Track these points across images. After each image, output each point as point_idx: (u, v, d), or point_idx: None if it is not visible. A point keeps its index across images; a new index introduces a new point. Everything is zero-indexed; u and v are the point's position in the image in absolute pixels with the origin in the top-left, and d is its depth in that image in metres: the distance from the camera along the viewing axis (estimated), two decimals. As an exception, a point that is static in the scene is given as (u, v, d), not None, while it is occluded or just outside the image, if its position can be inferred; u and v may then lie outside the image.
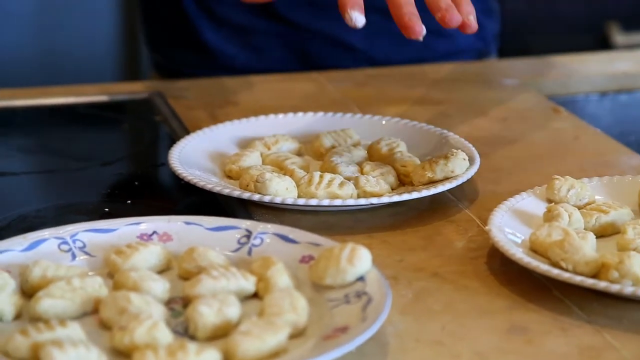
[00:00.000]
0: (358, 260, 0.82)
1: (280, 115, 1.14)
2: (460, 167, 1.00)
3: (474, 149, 1.04)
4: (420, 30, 0.99)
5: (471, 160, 1.02)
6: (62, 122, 1.23)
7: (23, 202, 1.03)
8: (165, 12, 1.41)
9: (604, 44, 2.32)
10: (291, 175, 1.00)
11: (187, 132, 1.13)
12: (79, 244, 0.87)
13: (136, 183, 1.07)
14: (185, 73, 1.40)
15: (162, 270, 0.85)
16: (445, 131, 1.09)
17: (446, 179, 0.99)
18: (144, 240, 0.88)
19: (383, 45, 1.40)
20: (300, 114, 1.15)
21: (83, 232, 0.87)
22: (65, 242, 0.86)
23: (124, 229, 0.88)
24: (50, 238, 0.86)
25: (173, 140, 1.10)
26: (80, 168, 1.10)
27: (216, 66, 1.37)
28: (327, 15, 1.36)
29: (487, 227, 0.89)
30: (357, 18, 1.02)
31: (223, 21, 1.36)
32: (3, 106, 1.24)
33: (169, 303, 0.81)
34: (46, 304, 0.78)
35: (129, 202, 1.02)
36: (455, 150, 1.01)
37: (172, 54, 1.42)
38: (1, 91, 1.29)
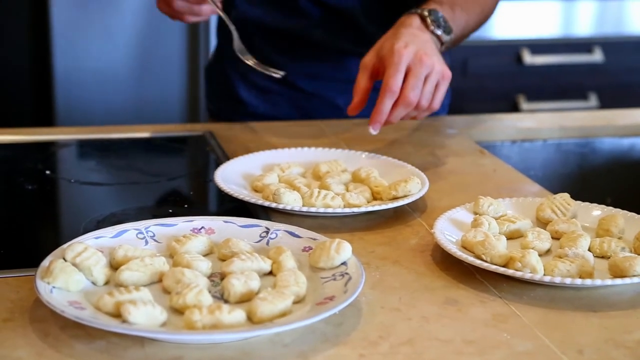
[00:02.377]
0: (342, 250, 0.80)
1: (292, 149, 1.13)
2: (415, 188, 0.98)
3: (424, 175, 1.03)
4: (374, 130, 1.03)
5: (423, 184, 1.00)
6: (143, 149, 1.22)
7: (113, 204, 1.01)
8: (217, 77, 1.40)
9: (514, 108, 2.32)
10: (298, 191, 0.99)
11: (227, 158, 1.12)
12: (150, 233, 0.85)
13: (191, 193, 1.06)
14: (226, 117, 1.38)
15: (207, 254, 0.83)
16: (405, 163, 1.08)
17: (405, 196, 0.98)
18: (195, 232, 0.86)
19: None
20: (305, 148, 1.13)
21: (154, 226, 0.85)
22: (141, 232, 0.85)
23: (181, 224, 0.87)
24: (130, 229, 0.84)
25: (217, 164, 1.08)
26: (154, 182, 1.09)
27: (245, 113, 1.36)
28: (323, 85, 1.35)
29: (432, 230, 0.88)
30: (374, 130, 1.05)
31: (253, 84, 1.36)
32: (105, 138, 1.23)
33: (210, 277, 0.79)
34: (126, 274, 0.76)
35: (186, 206, 1.01)
36: (412, 176, 1.00)
37: (219, 104, 1.42)
38: (106, 127, 1.29)
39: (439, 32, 1.11)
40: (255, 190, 1.02)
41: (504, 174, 1.14)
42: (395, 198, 0.98)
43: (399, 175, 1.04)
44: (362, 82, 1.08)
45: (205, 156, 1.19)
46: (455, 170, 1.14)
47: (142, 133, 1.25)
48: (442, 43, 1.12)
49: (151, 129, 1.27)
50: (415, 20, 1.11)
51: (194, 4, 1.12)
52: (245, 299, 0.75)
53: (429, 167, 1.12)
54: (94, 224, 0.92)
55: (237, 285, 0.75)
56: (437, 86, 1.06)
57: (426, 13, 1.11)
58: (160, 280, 0.77)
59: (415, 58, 1.04)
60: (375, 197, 1.01)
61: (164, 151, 1.22)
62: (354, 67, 1.11)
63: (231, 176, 1.03)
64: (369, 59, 1.08)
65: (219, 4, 1.12)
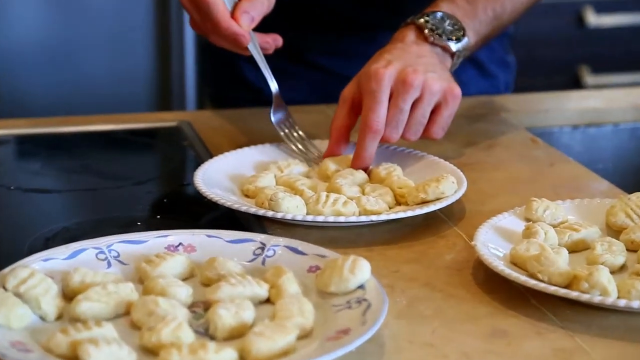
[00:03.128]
0: (359, 270, 0.81)
1: (293, 142, 1.14)
2: (450, 189, 0.99)
3: (461, 173, 1.03)
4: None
5: (459, 183, 1.01)
6: (101, 146, 1.23)
7: (66, 217, 1.02)
8: (216, 55, 1.42)
9: (576, 83, 2.32)
10: (301, 195, 0.99)
11: (210, 155, 1.12)
12: (113, 253, 0.86)
13: (165, 200, 1.06)
14: (232, 104, 1.39)
15: (186, 278, 0.84)
16: (436, 158, 1.08)
17: (437, 199, 0.98)
18: (171, 250, 0.87)
19: None
20: (311, 141, 1.14)
21: (118, 243, 0.86)
22: (102, 252, 0.85)
23: (153, 240, 0.87)
24: (89, 248, 0.85)
25: (198, 163, 1.09)
26: (116, 187, 1.09)
27: (255, 99, 1.37)
28: (349, 63, 1.35)
29: (472, 243, 0.88)
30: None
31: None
32: (53, 132, 1.24)
33: (192, 307, 0.80)
34: (84, 306, 0.77)
35: (158, 217, 1.02)
36: (445, 175, 1.00)
37: (221, 89, 1.44)
38: (53, 119, 1.29)
39: (443, 42, 1.10)
40: (247, 195, 1.03)
41: (563, 169, 1.15)
42: (425, 202, 0.99)
43: (428, 173, 1.05)
44: (338, 119, 1.07)
45: (181, 153, 1.20)
46: (501, 165, 1.15)
47: (99, 125, 1.26)
48: (452, 54, 1.11)
49: (112, 120, 1.28)
50: (409, 33, 1.10)
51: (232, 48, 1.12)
52: (237, 335, 0.75)
53: (467, 162, 1.13)
54: (41, 242, 0.93)
55: (225, 317, 0.76)
56: (438, 109, 1.05)
57: (422, 20, 1.10)
58: (127, 313, 0.78)
59: (398, 80, 1.03)
60: (399, 201, 1.02)
61: (129, 148, 1.23)
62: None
63: (215, 178, 1.04)
64: (348, 89, 1.08)
65: (259, 51, 1.11)
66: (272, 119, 1.13)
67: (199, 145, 1.19)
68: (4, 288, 0.77)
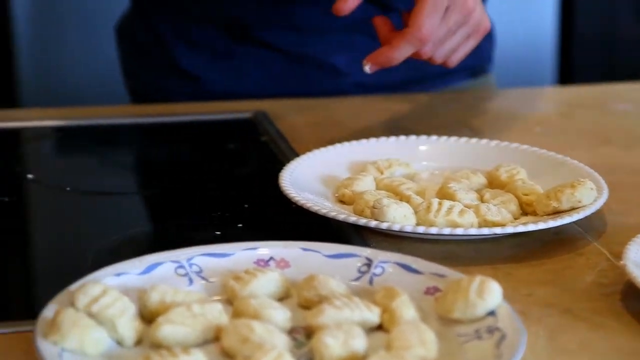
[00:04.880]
0: (488, 293, 0.80)
1: (392, 138, 1.13)
2: (588, 197, 0.98)
3: (600, 177, 1.02)
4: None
5: (599, 190, 0.99)
6: (163, 141, 1.24)
7: (132, 222, 1.03)
8: (141, 37, 1.41)
9: None
10: (407, 202, 0.99)
11: (295, 154, 1.13)
12: (195, 268, 0.86)
13: (246, 206, 1.07)
14: (161, 99, 1.38)
15: (281, 298, 0.84)
16: (567, 158, 1.07)
17: (573, 209, 0.97)
18: (261, 266, 0.87)
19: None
20: (412, 137, 1.14)
21: (199, 257, 0.87)
22: (182, 266, 0.86)
23: (240, 253, 0.88)
24: (166, 262, 0.85)
25: (280, 162, 1.09)
26: (188, 189, 1.10)
27: (193, 93, 1.37)
28: (312, 39, 1.35)
29: (621, 262, 0.87)
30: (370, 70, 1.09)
31: (200, 46, 1.36)
32: (104, 123, 1.25)
33: (290, 332, 0.80)
34: (167, 330, 0.77)
35: (240, 225, 1.02)
36: (582, 179, 0.99)
37: (148, 81, 1.42)
38: (101, 108, 1.31)
39: None
40: (342, 201, 1.03)
41: None
42: (558, 212, 0.98)
43: (560, 177, 1.03)
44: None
45: (261, 150, 1.20)
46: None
47: (158, 117, 1.27)
48: None
49: (167, 111, 1.29)
50: None
51: None
52: (346, 367, 0.75)
53: (603, 164, 1.12)
54: (106, 253, 0.94)
55: (333, 347, 0.75)
56: (466, 39, 1.12)
57: None
58: (216, 338, 0.78)
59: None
60: (525, 210, 1.01)
61: (196, 143, 1.23)
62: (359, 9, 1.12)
63: (305, 180, 1.04)
64: None
65: None
66: None
67: (281, 141, 1.19)
68: (74, 307, 0.78)
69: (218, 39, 1.28)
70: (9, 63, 2.14)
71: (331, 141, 1.13)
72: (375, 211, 0.96)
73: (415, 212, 0.97)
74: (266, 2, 1.32)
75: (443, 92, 1.39)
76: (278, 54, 1.36)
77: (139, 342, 0.78)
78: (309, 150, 1.10)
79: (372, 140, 1.13)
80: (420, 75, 1.40)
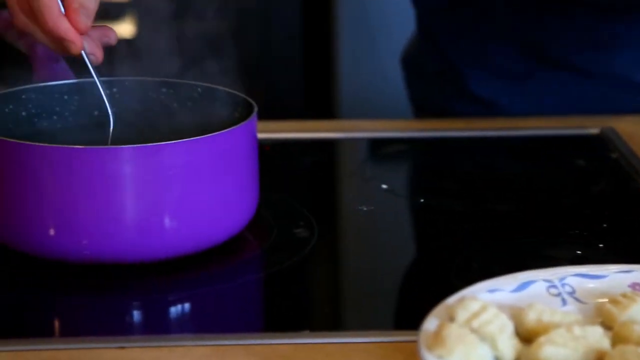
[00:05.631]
0: None
1: None
2: None
3: None
4: None
5: None
6: (509, 155, 1.23)
7: (487, 238, 1.02)
8: (430, 66, 1.39)
9: None
10: None
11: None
12: (567, 288, 0.84)
13: (604, 225, 1.03)
14: None
15: (660, 325, 0.81)
16: None
17: None
18: (637, 289, 0.84)
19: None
20: None
21: (572, 277, 0.84)
22: (554, 286, 0.84)
23: (613, 276, 0.84)
24: (538, 280, 0.84)
25: (635, 180, 1.05)
26: (541, 205, 1.08)
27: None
28: (612, 55, 1.28)
29: None
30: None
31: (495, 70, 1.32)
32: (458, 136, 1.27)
33: (677, 363, 0.77)
34: (549, 351, 0.75)
35: (601, 245, 0.99)
36: None
37: (437, 107, 1.40)
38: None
39: None
40: None
41: None
42: None
43: None
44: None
45: (612, 168, 1.16)
46: None
47: (494, 131, 1.26)
48: None
49: (505, 125, 1.28)
50: None
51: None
52: None
53: None
54: (462, 268, 0.94)
55: None
56: None
57: None
58: (597, 364, 0.76)
59: None
60: None
61: (542, 159, 1.21)
62: None
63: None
64: None
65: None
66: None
67: (633, 158, 1.15)
68: (454, 321, 0.78)
69: (514, 62, 1.25)
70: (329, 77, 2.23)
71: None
72: None
73: None
74: (568, 18, 1.29)
75: None
76: (577, 73, 1.32)
77: (518, 360, 0.77)
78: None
79: None
80: None
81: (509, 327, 0.78)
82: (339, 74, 2.24)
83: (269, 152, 1.03)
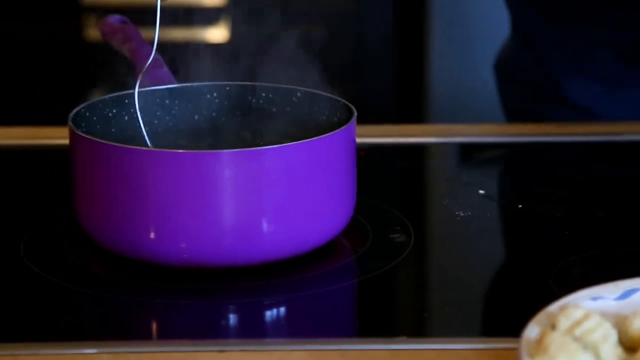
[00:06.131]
0: None
1: None
2: None
3: None
4: None
5: None
6: (606, 160, 1.22)
7: (582, 244, 1.01)
8: (525, 72, 1.38)
9: None
10: None
11: None
12: (669, 297, 0.83)
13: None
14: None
15: None
16: None
17: None
18: None
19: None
20: None
21: (674, 286, 0.84)
22: (658, 294, 0.83)
23: None
24: (642, 288, 0.83)
25: None
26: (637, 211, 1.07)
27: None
28: None
29: None
30: None
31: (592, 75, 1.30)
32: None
33: None
34: (654, 361, 0.75)
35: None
36: None
37: (530, 113, 1.39)
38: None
39: None
40: None
41: None
42: None
43: None
44: None
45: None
46: None
47: (594, 136, 1.25)
48: None
49: (604, 130, 1.26)
50: None
51: None
52: None
53: None
54: (560, 276, 0.93)
55: None
56: None
57: None
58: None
59: None
60: None
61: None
62: None
63: None
64: None
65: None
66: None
67: None
68: (555, 329, 0.77)
69: (614, 68, 1.23)
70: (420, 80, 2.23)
71: None
72: None
73: None
74: None
75: None
76: None
77: (621, 370, 0.76)
78: None
79: None
80: None
81: (613, 335, 0.77)
82: (430, 77, 2.23)
83: (363, 157, 1.03)
